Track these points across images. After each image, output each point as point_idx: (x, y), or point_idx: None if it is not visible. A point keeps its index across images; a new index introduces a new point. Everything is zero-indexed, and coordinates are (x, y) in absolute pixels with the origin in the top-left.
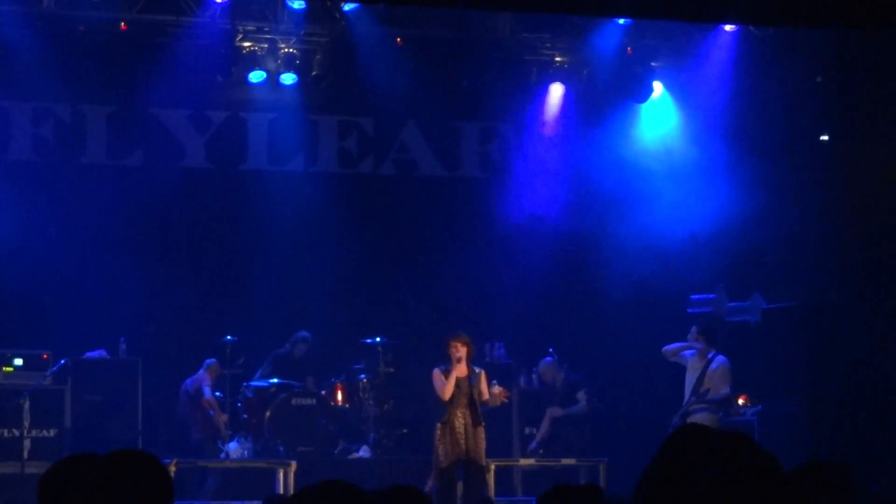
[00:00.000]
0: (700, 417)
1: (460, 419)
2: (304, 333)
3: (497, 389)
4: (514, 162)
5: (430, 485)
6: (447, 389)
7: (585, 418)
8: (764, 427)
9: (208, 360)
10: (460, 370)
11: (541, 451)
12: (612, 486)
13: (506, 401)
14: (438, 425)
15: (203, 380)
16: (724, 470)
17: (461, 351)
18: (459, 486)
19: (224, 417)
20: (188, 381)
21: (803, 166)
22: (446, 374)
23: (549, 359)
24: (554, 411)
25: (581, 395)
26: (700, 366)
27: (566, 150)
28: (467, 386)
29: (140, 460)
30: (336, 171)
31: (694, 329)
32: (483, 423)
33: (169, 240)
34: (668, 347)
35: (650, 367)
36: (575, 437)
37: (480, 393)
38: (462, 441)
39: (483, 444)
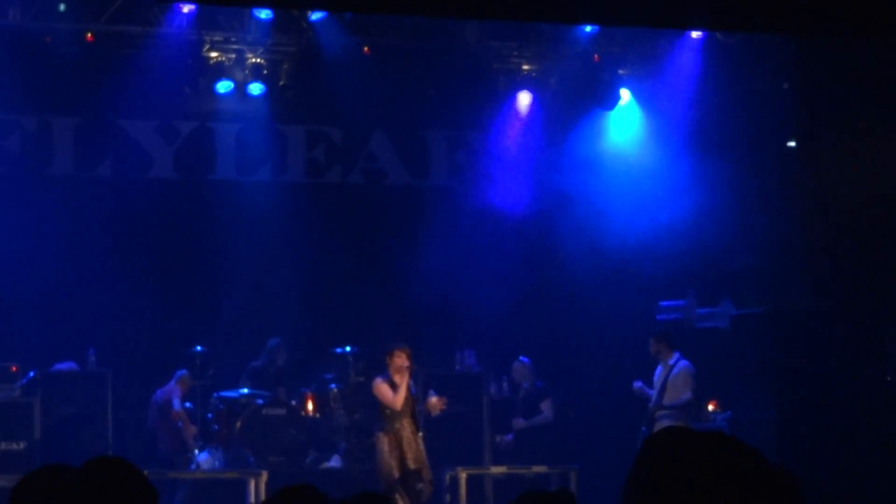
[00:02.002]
0: (665, 424)
1: (407, 428)
2: (276, 340)
3: (434, 399)
4: (483, 170)
5: None
6: (399, 399)
7: (551, 428)
8: (734, 433)
9: (180, 372)
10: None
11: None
12: (583, 494)
13: (444, 408)
14: (382, 436)
15: (173, 391)
16: (711, 468)
17: (407, 361)
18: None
19: (193, 429)
20: (159, 391)
21: (771, 172)
22: (390, 384)
23: (524, 360)
24: (517, 423)
25: (545, 405)
26: (664, 373)
27: (534, 158)
28: (409, 395)
29: (118, 468)
30: (304, 180)
31: (652, 341)
32: (423, 432)
33: (137, 250)
34: (636, 385)
35: (620, 374)
36: (541, 446)
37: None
38: (408, 450)
39: (424, 452)
